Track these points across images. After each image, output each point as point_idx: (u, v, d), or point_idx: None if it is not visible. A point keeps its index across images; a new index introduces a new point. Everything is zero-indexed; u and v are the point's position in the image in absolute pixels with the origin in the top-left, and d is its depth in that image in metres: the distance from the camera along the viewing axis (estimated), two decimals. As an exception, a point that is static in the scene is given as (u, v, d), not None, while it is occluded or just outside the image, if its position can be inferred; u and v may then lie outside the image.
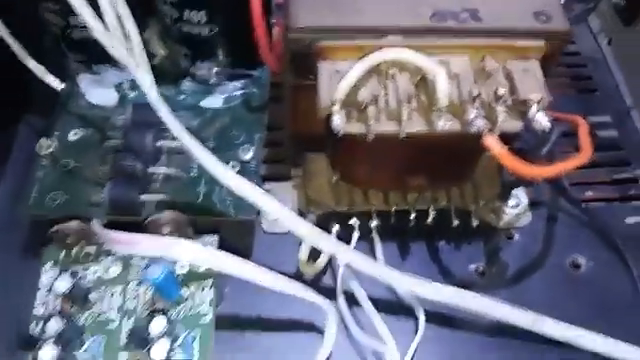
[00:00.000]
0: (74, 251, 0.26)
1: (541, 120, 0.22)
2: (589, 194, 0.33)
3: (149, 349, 0.22)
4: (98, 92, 0.30)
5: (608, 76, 0.39)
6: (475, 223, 0.30)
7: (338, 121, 0.22)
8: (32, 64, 0.29)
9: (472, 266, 0.30)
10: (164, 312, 0.24)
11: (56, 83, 0.30)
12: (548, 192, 0.33)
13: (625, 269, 0.30)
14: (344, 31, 0.23)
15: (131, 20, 0.23)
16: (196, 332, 0.24)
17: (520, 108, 0.23)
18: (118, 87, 0.30)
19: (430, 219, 0.30)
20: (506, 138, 0.23)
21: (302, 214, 0.30)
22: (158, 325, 0.23)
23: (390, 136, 0.23)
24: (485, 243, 0.31)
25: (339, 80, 0.22)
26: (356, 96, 0.22)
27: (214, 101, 0.30)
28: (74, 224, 0.25)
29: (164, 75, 0.31)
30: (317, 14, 0.23)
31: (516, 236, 0.32)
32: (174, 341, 0.24)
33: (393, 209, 0.30)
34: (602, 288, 0.30)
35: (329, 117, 0.22)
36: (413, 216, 0.29)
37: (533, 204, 0.32)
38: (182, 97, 0.31)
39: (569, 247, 0.31)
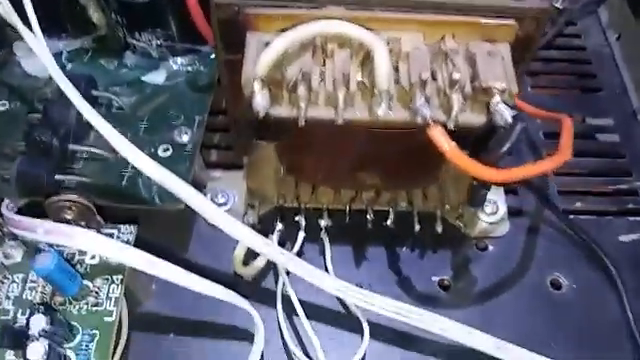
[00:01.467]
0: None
1: (503, 112, 0.19)
2: (579, 205, 0.29)
3: (25, 350, 0.19)
4: (34, 61, 0.28)
5: (615, 75, 0.34)
6: (439, 229, 0.26)
7: (260, 100, 0.19)
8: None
9: (435, 278, 0.27)
10: (52, 308, 0.21)
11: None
12: (532, 200, 0.29)
13: (613, 294, 0.26)
14: (276, -3, 0.20)
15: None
16: (95, 332, 0.21)
17: (482, 98, 0.19)
18: (56, 57, 0.28)
19: (390, 221, 0.26)
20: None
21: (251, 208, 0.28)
22: (36, 323, 0.20)
23: (327, 123, 0.20)
24: (453, 253, 0.27)
25: (268, 54, 0.19)
26: (284, 73, 0.19)
27: (157, 77, 0.27)
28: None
29: (107, 46, 0.28)
30: (248, -24, 0.20)
31: (490, 247, 0.28)
32: (68, 340, 0.21)
33: (347, 208, 0.27)
34: (585, 314, 0.26)
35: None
36: (370, 217, 0.26)
37: (513, 212, 0.28)
38: (124, 70, 0.28)
39: (550, 264, 0.27)
